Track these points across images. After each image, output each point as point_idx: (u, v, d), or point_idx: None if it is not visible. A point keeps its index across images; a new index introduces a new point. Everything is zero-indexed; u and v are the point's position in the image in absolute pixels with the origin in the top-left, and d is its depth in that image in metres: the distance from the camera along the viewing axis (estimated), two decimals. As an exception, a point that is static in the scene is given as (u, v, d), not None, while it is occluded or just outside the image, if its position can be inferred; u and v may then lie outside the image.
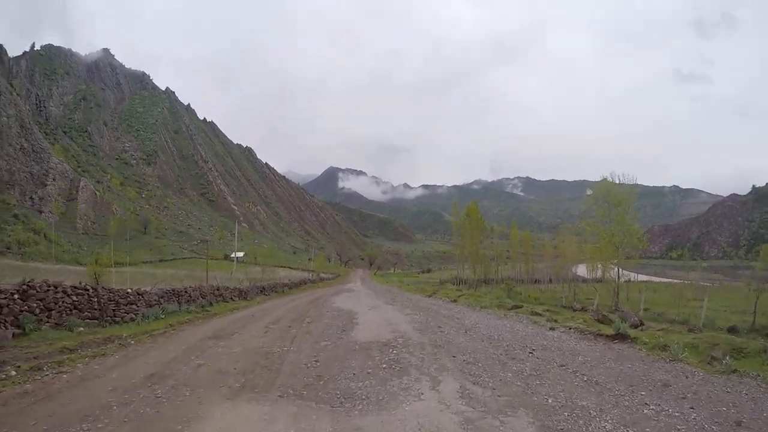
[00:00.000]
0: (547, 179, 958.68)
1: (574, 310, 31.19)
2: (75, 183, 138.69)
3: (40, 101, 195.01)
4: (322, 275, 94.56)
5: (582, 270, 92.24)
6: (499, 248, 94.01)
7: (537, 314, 23.94)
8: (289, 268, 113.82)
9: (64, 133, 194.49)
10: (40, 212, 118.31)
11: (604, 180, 36.93)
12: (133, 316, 19.96)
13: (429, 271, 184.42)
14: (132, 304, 20.73)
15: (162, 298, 23.59)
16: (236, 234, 67.17)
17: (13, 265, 50.85)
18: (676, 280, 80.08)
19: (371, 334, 16.36)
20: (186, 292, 26.70)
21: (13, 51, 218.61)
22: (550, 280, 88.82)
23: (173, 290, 25.44)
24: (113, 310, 19.28)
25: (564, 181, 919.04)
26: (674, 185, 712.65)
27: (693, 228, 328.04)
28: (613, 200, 34.80)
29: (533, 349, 13.79)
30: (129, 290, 21.30)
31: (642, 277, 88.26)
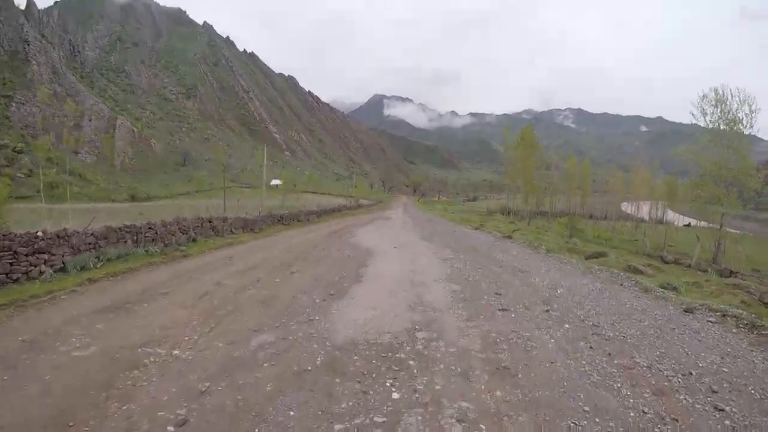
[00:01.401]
0: (600, 112, 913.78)
1: (666, 262, 23.29)
2: (111, 122, 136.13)
3: (74, 47, 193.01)
4: (361, 202, 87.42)
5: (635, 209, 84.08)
6: (554, 179, 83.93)
7: (636, 271, 16.18)
8: (329, 194, 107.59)
9: (101, 75, 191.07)
10: (76, 153, 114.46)
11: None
12: (44, 268, 13.04)
13: (475, 199, 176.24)
14: (43, 252, 13.76)
15: (105, 239, 16.60)
16: (264, 157, 60.06)
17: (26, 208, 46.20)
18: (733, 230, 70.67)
19: (368, 317, 8.82)
20: (152, 228, 19.67)
21: (44, 2, 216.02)
22: (605, 217, 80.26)
23: (127, 227, 18.43)
24: (9, 263, 12.36)
25: (618, 115, 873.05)
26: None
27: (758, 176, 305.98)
28: (726, 116, 25.90)
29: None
30: (39, 233, 14.29)
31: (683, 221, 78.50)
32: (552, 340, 7.66)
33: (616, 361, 6.84)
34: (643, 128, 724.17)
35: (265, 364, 6.48)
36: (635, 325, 8.76)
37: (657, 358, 7.04)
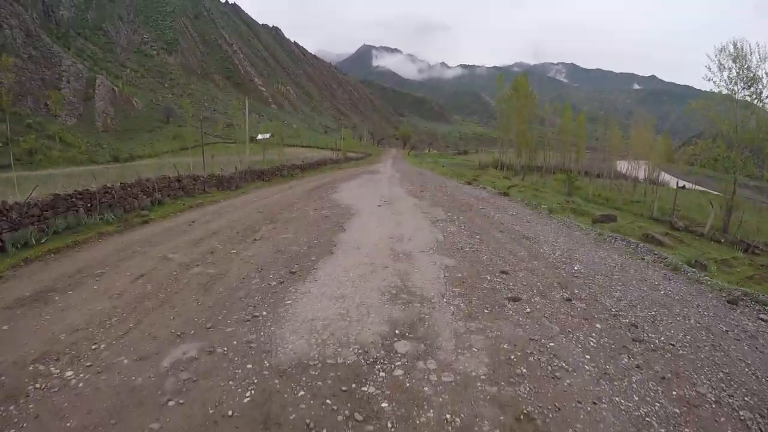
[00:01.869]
0: (593, 68, 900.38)
1: (675, 228, 21.18)
2: (91, 82, 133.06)
3: (47, 7, 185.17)
4: (349, 155, 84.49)
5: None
6: (547, 133, 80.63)
7: (654, 241, 14.09)
8: (317, 147, 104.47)
9: (78, 34, 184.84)
10: (56, 117, 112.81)
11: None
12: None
13: (466, 153, 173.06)
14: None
15: (52, 209, 14.27)
16: (247, 109, 57.29)
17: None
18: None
19: (330, 315, 6.49)
20: (108, 192, 17.28)
21: None
22: (599, 175, 78.13)
23: (79, 194, 16.03)
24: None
25: (611, 71, 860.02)
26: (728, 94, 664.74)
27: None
28: (745, 74, 23.68)
29: None
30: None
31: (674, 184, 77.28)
32: (586, 355, 5.48)
33: (674, 392, 4.79)
34: (636, 86, 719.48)
35: (170, 402, 4.46)
36: (680, 325, 6.63)
37: (723, 385, 5.00)
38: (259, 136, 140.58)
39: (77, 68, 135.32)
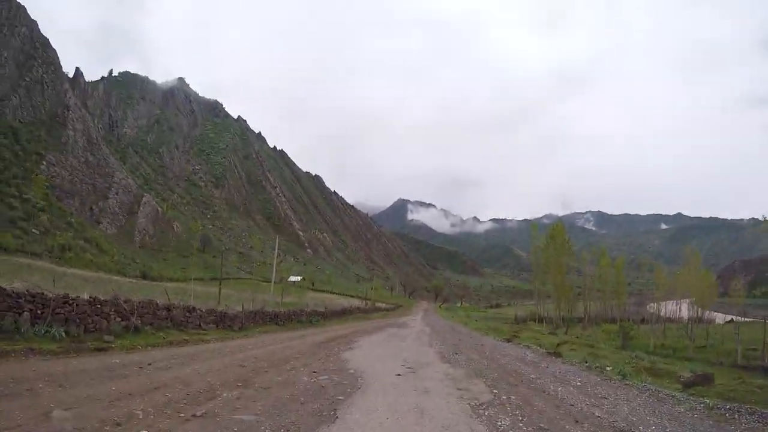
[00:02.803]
0: (620, 213, 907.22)
1: None
2: (138, 198, 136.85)
3: (113, 121, 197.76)
4: (379, 305, 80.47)
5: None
6: (586, 281, 76.35)
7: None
8: (347, 295, 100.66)
9: (135, 152, 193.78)
10: (98, 223, 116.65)
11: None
12: None
13: (498, 306, 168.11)
14: None
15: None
16: (276, 248, 55.29)
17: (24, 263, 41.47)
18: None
19: None
20: (69, 303, 14.03)
21: (92, 77, 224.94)
22: (643, 320, 72.66)
23: (31, 296, 13.09)
24: None
25: (637, 215, 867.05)
26: (752, 218, 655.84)
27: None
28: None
29: None
30: None
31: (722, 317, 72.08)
32: None
33: None
34: (663, 225, 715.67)
35: None
36: None
37: None
38: (291, 278, 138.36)
39: (128, 183, 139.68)
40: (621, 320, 70.63)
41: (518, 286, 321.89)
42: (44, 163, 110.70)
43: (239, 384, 9.93)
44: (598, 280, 72.27)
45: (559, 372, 15.31)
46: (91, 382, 8.67)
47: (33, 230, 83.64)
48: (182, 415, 7.00)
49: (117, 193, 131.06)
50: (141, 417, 6.64)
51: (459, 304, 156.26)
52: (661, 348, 30.08)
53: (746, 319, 67.84)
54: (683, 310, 78.49)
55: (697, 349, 29.88)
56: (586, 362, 17.58)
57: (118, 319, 15.92)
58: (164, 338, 16.60)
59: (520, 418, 8.32)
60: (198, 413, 7.14)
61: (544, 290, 64.33)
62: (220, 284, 28.21)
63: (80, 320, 14.24)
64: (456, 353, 18.77)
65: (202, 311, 22.18)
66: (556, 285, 57.38)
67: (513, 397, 10.35)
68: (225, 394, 8.72)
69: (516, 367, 16.00)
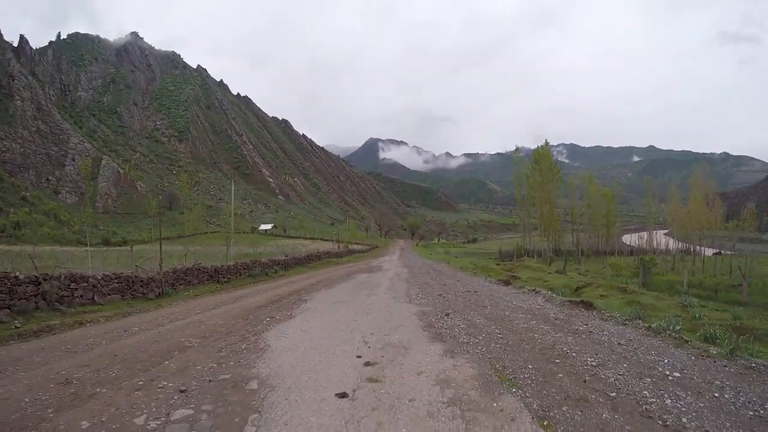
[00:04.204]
0: (592, 145, 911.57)
1: None
2: (96, 162, 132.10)
3: (65, 86, 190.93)
4: (353, 247, 74.40)
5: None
6: (574, 211, 69.84)
7: None
8: (321, 240, 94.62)
9: (93, 116, 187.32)
10: (57, 193, 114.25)
11: None
12: None
13: (475, 240, 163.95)
14: None
15: None
16: (232, 192, 48.96)
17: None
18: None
19: None
20: None
21: (40, 42, 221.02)
22: (631, 252, 68.48)
23: None
24: None
25: (610, 147, 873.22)
26: (724, 152, 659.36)
27: (749, 197, 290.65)
28: None
29: None
30: None
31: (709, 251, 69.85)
32: None
33: None
34: (636, 158, 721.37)
35: None
36: None
37: None
38: (262, 227, 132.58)
39: (84, 147, 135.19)
40: (612, 253, 66.12)
41: (494, 220, 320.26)
42: None
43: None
44: (586, 209, 66.81)
45: (616, 342, 9.29)
46: None
47: (-20, 211, 78.30)
48: None
49: (74, 159, 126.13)
50: None
51: (436, 241, 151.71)
52: (699, 287, 23.69)
53: (729, 252, 64.84)
54: (666, 242, 75.50)
55: (732, 287, 23.67)
56: (639, 318, 11.61)
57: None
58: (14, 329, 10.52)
59: None
60: None
61: (530, 222, 58.83)
62: (160, 241, 21.58)
63: None
64: (447, 314, 12.57)
65: (97, 279, 15.81)
66: (542, 215, 51.84)
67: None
68: None
69: (545, 335, 9.86)
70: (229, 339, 9.74)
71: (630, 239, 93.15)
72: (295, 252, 43.15)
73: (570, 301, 14.99)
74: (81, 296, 14.92)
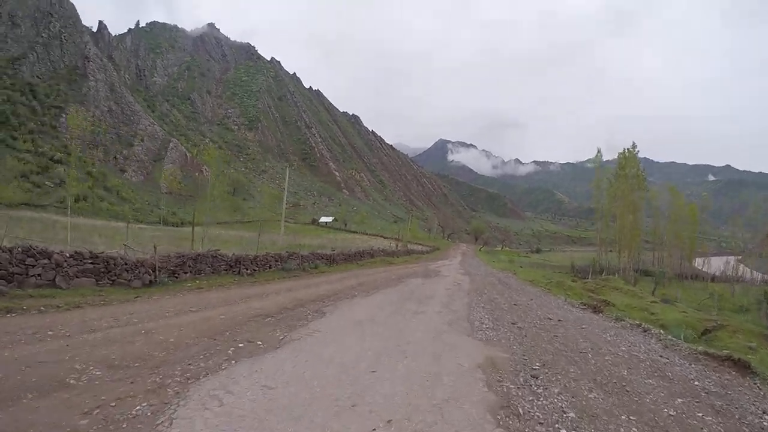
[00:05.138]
0: (666, 161, 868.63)
1: None
2: (165, 144, 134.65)
3: (140, 71, 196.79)
4: (412, 247, 69.65)
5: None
6: (658, 225, 62.15)
7: None
8: (382, 237, 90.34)
9: (166, 101, 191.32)
10: (123, 171, 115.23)
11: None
12: None
13: (539, 251, 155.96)
14: None
15: None
16: (287, 177, 45.89)
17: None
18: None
19: None
20: None
21: (119, 29, 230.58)
22: (713, 279, 61.12)
23: None
24: None
25: (684, 164, 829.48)
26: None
27: None
28: None
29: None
30: None
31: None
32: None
33: None
34: (711, 177, 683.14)
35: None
36: None
37: None
38: (322, 219, 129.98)
39: (154, 129, 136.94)
40: (695, 277, 59.08)
41: (560, 231, 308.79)
42: (64, 115, 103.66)
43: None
44: (671, 224, 59.39)
45: None
46: None
47: (47, 183, 79.24)
48: None
49: (143, 140, 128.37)
50: None
51: (500, 248, 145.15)
52: None
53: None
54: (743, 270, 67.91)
55: None
56: None
57: None
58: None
59: None
60: None
61: (608, 235, 52.55)
62: (193, 224, 17.83)
63: None
64: (534, 373, 7.70)
65: (65, 256, 12.22)
66: (623, 227, 45.79)
67: None
68: None
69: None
70: (121, 389, 5.60)
71: (703, 264, 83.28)
72: (346, 247, 39.04)
73: (707, 354, 10.08)
74: (38, 276, 11.43)
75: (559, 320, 13.89)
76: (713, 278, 62.75)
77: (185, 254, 17.15)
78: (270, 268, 22.15)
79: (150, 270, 14.78)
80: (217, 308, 11.55)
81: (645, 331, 13.12)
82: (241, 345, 8.10)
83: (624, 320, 14.79)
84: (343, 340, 9.09)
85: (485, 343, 9.84)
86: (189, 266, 16.98)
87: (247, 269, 20.07)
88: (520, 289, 23.51)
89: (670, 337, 12.26)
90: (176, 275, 16.12)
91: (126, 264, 14.07)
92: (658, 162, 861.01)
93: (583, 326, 13.19)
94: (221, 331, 9.08)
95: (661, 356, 10.06)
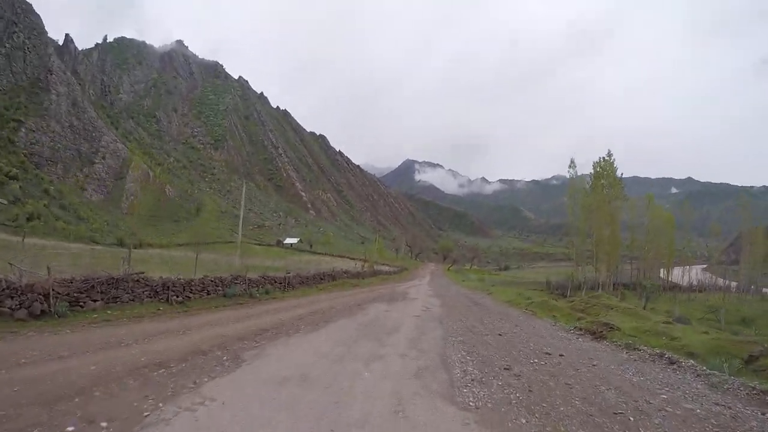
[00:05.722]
0: (630, 176, 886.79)
1: None
2: (127, 163, 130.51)
3: (106, 87, 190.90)
4: (379, 268, 66.03)
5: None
6: (634, 237, 60.54)
7: None
8: (348, 258, 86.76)
9: (131, 118, 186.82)
10: (83, 190, 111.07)
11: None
12: None
13: (507, 268, 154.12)
14: None
15: None
16: (243, 197, 42.60)
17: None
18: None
19: None
20: None
21: (87, 44, 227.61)
22: (699, 289, 59.97)
23: None
24: None
25: (647, 178, 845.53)
26: (764, 185, 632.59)
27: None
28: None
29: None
30: None
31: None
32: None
33: None
34: (674, 189, 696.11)
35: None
36: None
37: None
38: (287, 240, 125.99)
39: (117, 146, 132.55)
40: (674, 288, 57.69)
41: (527, 248, 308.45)
42: (23, 129, 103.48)
43: None
44: (649, 235, 57.64)
45: None
46: None
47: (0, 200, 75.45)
48: None
49: (104, 158, 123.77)
50: None
51: (468, 267, 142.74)
52: None
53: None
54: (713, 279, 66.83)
55: None
56: None
57: None
58: None
59: None
60: None
61: (584, 248, 50.21)
62: (130, 249, 14.27)
63: None
64: None
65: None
66: (601, 240, 43.48)
67: None
68: None
69: None
70: None
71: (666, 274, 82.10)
72: (305, 269, 35.42)
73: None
74: None
75: (561, 355, 10.71)
76: (700, 290, 61.70)
77: (94, 277, 13.60)
78: (209, 294, 18.64)
79: (42, 297, 11.27)
80: (96, 353, 8.11)
81: (672, 363, 10.12)
82: (69, 430, 4.73)
83: (638, 349, 11.74)
84: (239, 427, 5.39)
85: (476, 414, 6.23)
86: (99, 292, 13.45)
87: (177, 296, 16.52)
88: (501, 313, 20.39)
89: (707, 370, 9.26)
90: (81, 304, 12.62)
91: (9, 289, 10.60)
92: (622, 177, 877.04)
93: (594, 363, 10.05)
94: (69, 395, 5.73)
95: (717, 404, 7.03)
